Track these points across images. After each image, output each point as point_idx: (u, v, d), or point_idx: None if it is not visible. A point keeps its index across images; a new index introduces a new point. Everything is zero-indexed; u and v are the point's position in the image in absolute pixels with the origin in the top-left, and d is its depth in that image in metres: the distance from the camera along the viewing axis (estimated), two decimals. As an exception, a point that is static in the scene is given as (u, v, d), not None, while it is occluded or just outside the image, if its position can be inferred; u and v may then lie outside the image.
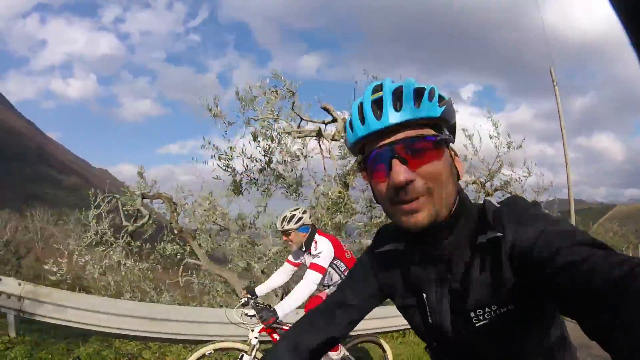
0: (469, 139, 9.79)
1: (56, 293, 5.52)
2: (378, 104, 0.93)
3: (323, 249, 3.95)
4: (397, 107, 0.91)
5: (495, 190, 10.10)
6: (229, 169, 8.79)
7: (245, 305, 3.97)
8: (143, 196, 8.65)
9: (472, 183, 10.01)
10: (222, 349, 3.80)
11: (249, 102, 8.64)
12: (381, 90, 0.94)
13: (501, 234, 0.90)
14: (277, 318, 3.58)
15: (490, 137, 9.87)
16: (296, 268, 4.46)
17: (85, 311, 5.45)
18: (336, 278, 4.11)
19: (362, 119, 0.94)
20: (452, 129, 1.00)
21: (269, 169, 8.87)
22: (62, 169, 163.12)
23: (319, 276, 3.83)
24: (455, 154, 1.00)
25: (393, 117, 0.90)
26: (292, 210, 4.16)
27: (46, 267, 8.40)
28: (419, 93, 0.91)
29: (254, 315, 3.72)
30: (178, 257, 9.23)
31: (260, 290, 4.34)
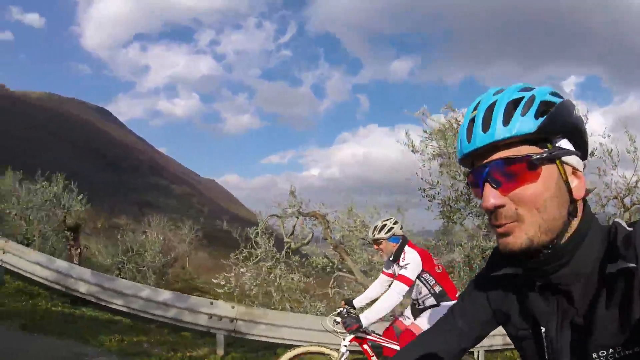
0: (608, 153, 8.81)
1: (271, 313, 6.00)
2: (473, 123, 0.89)
3: (411, 260, 3.97)
4: (486, 127, 0.86)
5: (633, 205, 9.09)
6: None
7: (339, 314, 4.08)
8: (299, 213, 9.13)
9: (613, 198, 9.12)
10: (312, 353, 4.17)
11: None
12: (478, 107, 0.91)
13: (634, 265, 0.78)
14: (361, 326, 3.77)
15: (628, 152, 8.85)
16: (391, 279, 4.35)
17: (296, 329, 5.84)
18: (425, 292, 4.08)
19: (462, 138, 0.92)
20: (573, 137, 0.89)
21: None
22: (173, 180, 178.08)
23: (405, 287, 3.86)
24: (575, 169, 0.88)
25: (480, 139, 0.86)
26: (384, 220, 4.25)
27: (214, 280, 9.20)
28: (513, 106, 0.86)
29: (340, 323, 3.91)
30: (328, 269, 9.67)
31: (359, 301, 4.43)
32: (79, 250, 11.74)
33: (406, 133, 9.40)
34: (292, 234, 9.37)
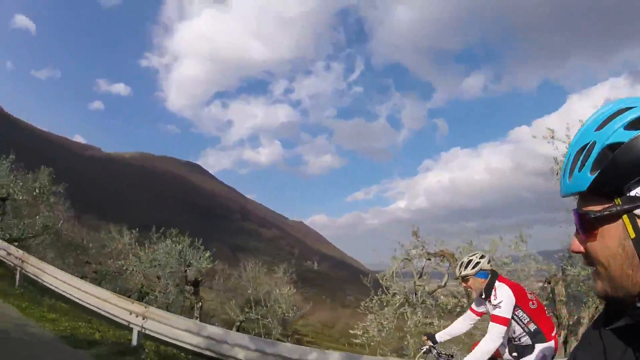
0: None
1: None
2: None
3: (503, 297, 3.66)
4: (565, 175, 0.85)
5: None
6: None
7: (427, 352, 4.05)
8: (428, 254, 8.52)
9: None
10: None
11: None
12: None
13: None
14: None
15: None
16: (479, 317, 4.15)
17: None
18: (519, 331, 3.79)
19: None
20: None
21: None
22: (262, 224, 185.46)
23: (502, 329, 3.57)
24: None
25: (563, 187, 0.86)
26: (470, 256, 4.04)
27: (352, 332, 8.80)
28: (577, 155, 0.82)
29: None
30: (458, 310, 9.01)
31: (440, 336, 4.22)
32: (200, 304, 11.92)
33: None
34: (421, 275, 8.74)
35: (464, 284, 4.08)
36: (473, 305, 4.17)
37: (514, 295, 3.67)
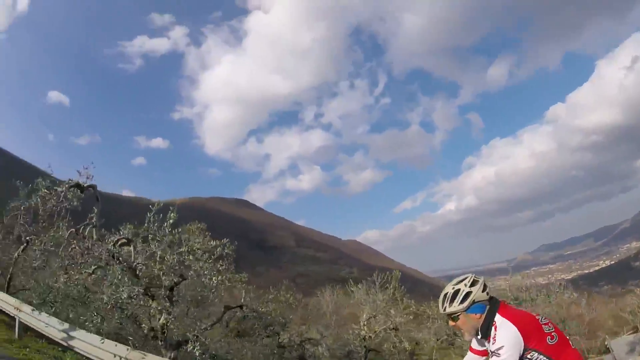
0: None
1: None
2: None
3: (505, 341, 2.71)
4: None
5: None
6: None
7: None
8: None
9: None
10: None
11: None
12: None
13: None
14: None
15: None
16: (483, 357, 3.10)
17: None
18: None
19: None
20: None
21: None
22: (317, 248, 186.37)
23: None
24: None
25: None
26: (456, 283, 2.97)
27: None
28: None
29: None
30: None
31: None
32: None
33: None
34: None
35: (452, 323, 3.01)
36: (473, 344, 3.15)
37: (523, 334, 2.73)
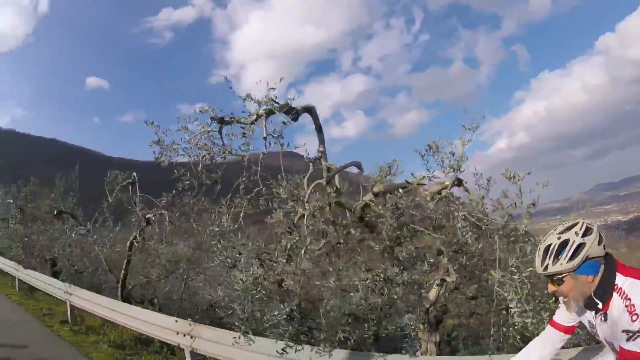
0: None
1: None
2: None
3: None
4: None
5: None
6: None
7: None
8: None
9: None
10: None
11: None
12: None
13: None
14: None
15: None
16: (568, 336, 2.34)
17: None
18: None
19: None
20: None
21: None
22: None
23: None
24: None
25: None
26: (562, 232, 2.06)
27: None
28: None
29: None
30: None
31: None
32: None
33: None
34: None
35: (552, 288, 2.10)
36: (559, 316, 2.35)
37: None
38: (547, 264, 2.02)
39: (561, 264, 1.98)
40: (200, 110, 4.51)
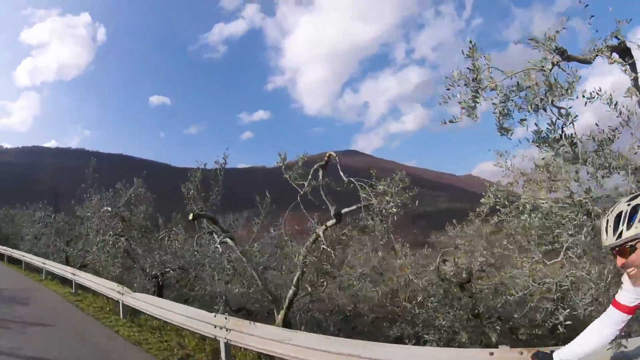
0: None
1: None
2: None
3: None
4: None
5: None
6: None
7: None
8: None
9: None
10: None
11: None
12: None
13: None
14: None
15: None
16: (629, 316, 2.11)
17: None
18: None
19: None
20: None
21: None
22: (433, 187, 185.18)
23: None
24: None
25: None
26: (631, 199, 1.90)
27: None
28: None
29: None
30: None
31: (567, 354, 2.28)
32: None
33: None
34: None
35: (621, 261, 1.93)
36: (621, 296, 2.14)
37: None
38: (622, 230, 1.86)
39: (636, 227, 1.82)
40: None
